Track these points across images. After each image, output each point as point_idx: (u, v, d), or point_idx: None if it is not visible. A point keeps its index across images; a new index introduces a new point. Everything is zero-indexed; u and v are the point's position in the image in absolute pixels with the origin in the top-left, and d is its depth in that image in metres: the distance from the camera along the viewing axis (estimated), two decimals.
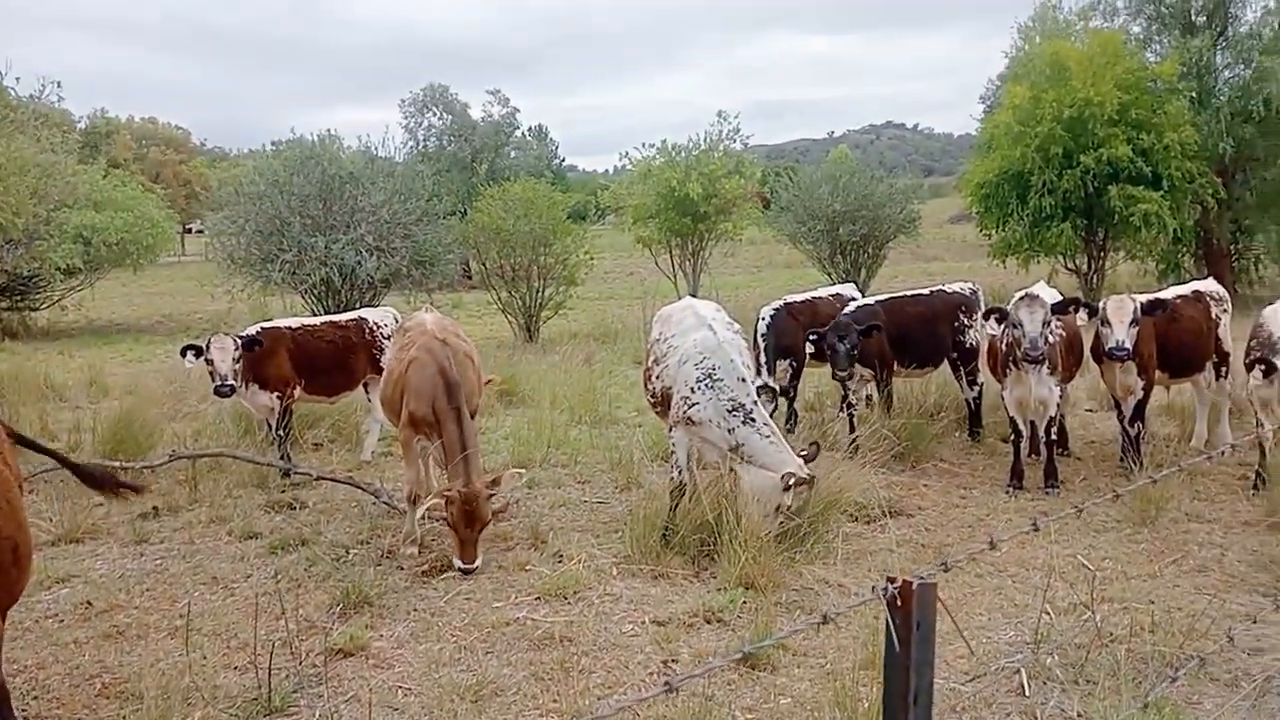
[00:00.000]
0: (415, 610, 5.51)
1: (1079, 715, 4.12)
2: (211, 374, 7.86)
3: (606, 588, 5.70)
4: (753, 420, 5.87)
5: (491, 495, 5.99)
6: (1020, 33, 20.78)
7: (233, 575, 6.11)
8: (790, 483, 5.65)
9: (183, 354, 8.11)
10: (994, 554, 6.11)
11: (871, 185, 22.10)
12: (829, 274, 21.74)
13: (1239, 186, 18.74)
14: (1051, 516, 2.83)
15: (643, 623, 5.23)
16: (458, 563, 5.91)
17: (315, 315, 12.80)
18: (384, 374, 6.93)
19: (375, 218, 15.86)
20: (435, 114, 35.60)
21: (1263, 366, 6.38)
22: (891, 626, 1.78)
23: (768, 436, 5.86)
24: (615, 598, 5.57)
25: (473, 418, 6.38)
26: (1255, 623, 4.87)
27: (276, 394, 8.28)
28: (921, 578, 1.76)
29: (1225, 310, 8.37)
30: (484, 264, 17.81)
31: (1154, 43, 19.83)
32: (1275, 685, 4.21)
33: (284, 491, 7.81)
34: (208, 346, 7.90)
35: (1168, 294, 8.16)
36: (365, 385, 8.87)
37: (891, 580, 1.76)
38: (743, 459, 5.88)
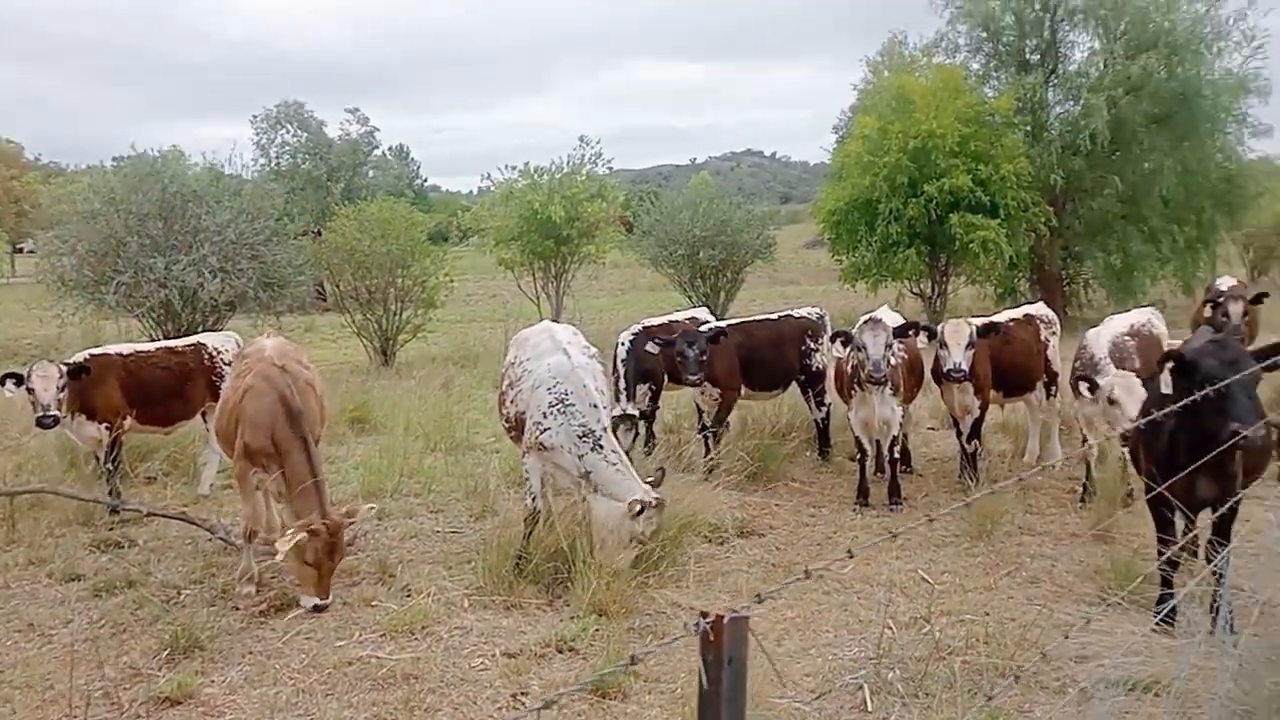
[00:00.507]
0: (251, 653, 5.24)
1: None
2: (33, 404, 7.33)
3: (457, 621, 5.56)
4: (601, 447, 5.85)
5: (350, 525, 5.79)
6: (869, 67, 21.75)
7: (51, 621, 5.68)
8: (636, 510, 5.63)
9: (1, 382, 7.54)
10: (841, 570, 6.27)
11: (730, 211, 22.58)
12: (690, 297, 22.06)
13: (1069, 215, 19.98)
14: (864, 542, 2.89)
15: (493, 655, 5.12)
16: (313, 601, 5.62)
17: (153, 340, 12.11)
18: (219, 403, 6.58)
19: (220, 238, 15.16)
20: (289, 131, 34.53)
21: (1086, 384, 6.76)
22: (703, 662, 1.76)
23: (614, 464, 5.84)
24: (465, 631, 5.43)
25: None
26: (1086, 626, 5.13)
27: (105, 425, 7.78)
28: (735, 611, 1.75)
29: (1054, 332, 8.86)
30: (338, 286, 17.28)
31: (992, 79, 21.02)
32: (1099, 691, 4.42)
33: (111, 529, 7.32)
34: (29, 374, 7.37)
35: (1001, 318, 8.59)
36: (204, 414, 8.43)
37: (704, 615, 1.74)
38: (592, 488, 5.84)
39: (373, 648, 5.24)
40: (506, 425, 6.69)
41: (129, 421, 7.97)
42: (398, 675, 4.85)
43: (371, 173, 36.16)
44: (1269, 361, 4.74)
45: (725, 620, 1.73)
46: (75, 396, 7.58)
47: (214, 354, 8.46)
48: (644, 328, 9.08)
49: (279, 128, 34.63)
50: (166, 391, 8.17)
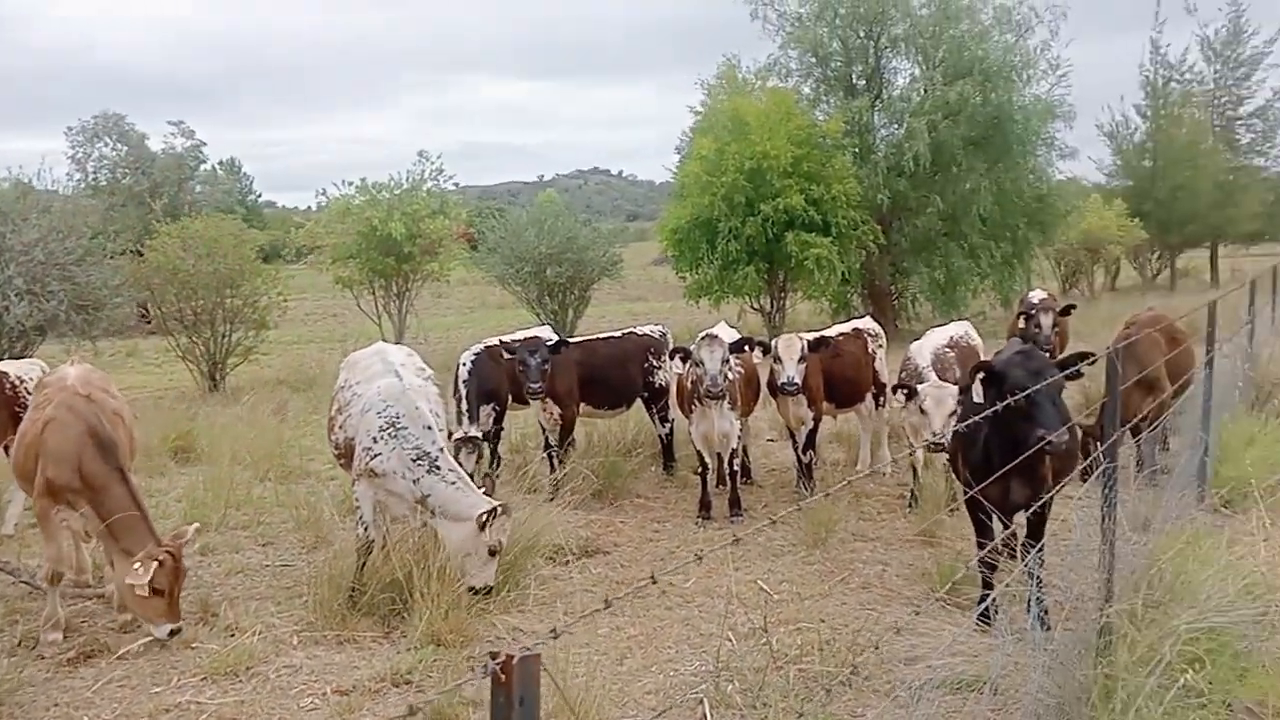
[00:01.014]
0: (57, 705, 4.86)
1: None
2: None
3: (285, 659, 5.30)
4: (438, 468, 5.70)
5: (176, 538, 5.50)
6: (705, 88, 22.17)
7: None
8: (483, 521, 5.49)
9: None
10: (684, 585, 6.32)
11: (576, 228, 22.58)
12: (538, 315, 21.91)
13: (896, 233, 20.93)
14: (706, 551, 2.91)
15: (324, 694, 4.90)
16: (167, 627, 5.32)
17: None
18: (17, 436, 6.07)
19: (27, 257, 14.06)
20: (108, 144, 32.45)
21: (904, 391, 7.08)
22: (493, 704, 1.69)
23: (453, 483, 5.69)
24: (294, 669, 5.18)
25: None
26: (915, 629, 5.32)
27: None
28: (527, 650, 1.69)
29: (881, 345, 9.24)
30: (160, 308, 16.29)
31: (822, 102, 21.81)
32: (927, 692, 4.58)
33: None
34: None
35: (831, 332, 8.90)
36: (6, 449, 7.76)
37: (494, 656, 1.68)
38: (432, 512, 5.68)
39: (192, 692, 4.94)
40: (336, 452, 6.44)
41: None
42: None
43: (199, 188, 34.28)
44: (1071, 370, 5.05)
45: (515, 660, 1.67)
46: None
47: (16, 383, 7.82)
48: (485, 348, 8.93)
49: (96, 141, 32.50)
50: None
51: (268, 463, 9.42)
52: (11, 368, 8.11)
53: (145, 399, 14.37)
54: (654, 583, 2.33)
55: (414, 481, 5.67)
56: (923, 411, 6.83)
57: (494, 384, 8.71)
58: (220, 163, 43.85)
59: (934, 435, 6.69)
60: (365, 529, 5.94)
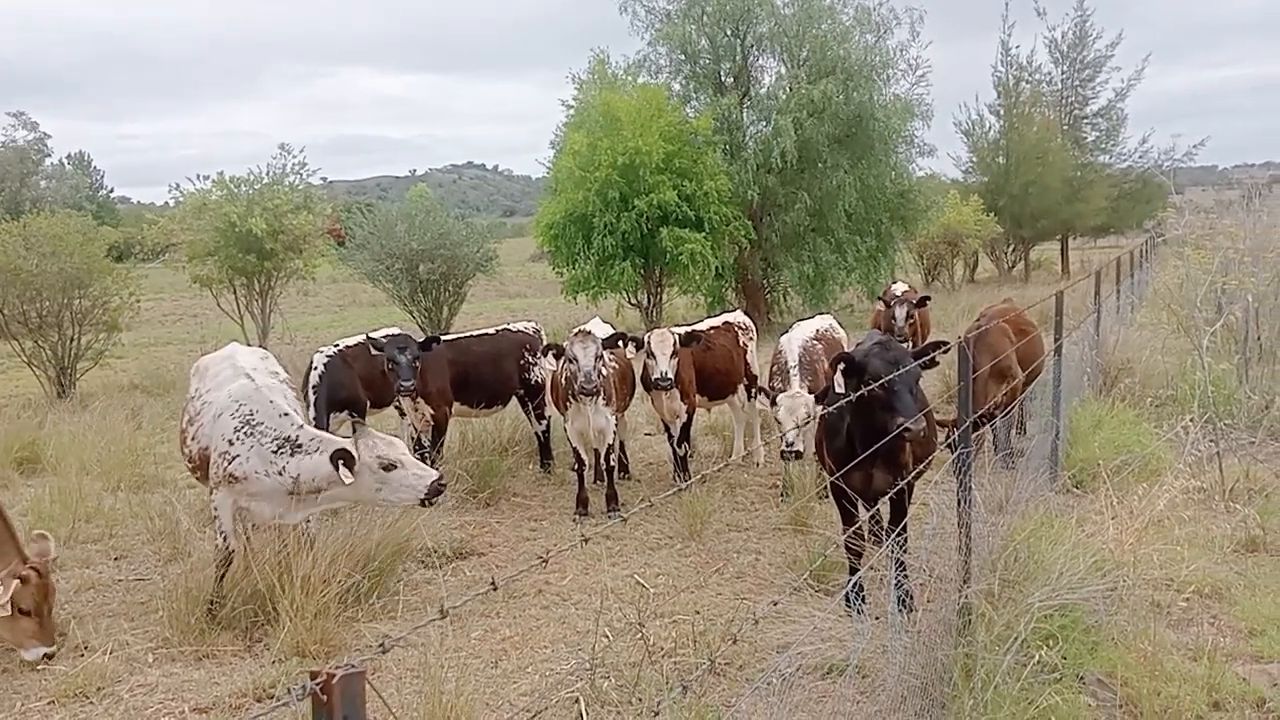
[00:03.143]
0: None
1: None
2: None
3: (140, 678, 5.04)
4: (299, 447, 5.43)
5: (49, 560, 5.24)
6: (577, 84, 22.10)
7: None
8: (344, 456, 5.15)
9: None
10: (561, 582, 6.28)
11: (450, 224, 22.19)
12: (410, 312, 21.47)
13: (766, 229, 21.34)
14: (585, 551, 2.88)
15: (181, 713, 4.68)
16: (41, 650, 5.11)
17: None
18: None
19: None
20: None
21: (765, 397, 7.23)
22: None
23: (317, 449, 5.40)
24: (150, 688, 4.93)
25: None
26: (786, 616, 5.42)
27: None
28: (353, 666, 1.63)
29: (751, 338, 9.40)
30: (2, 310, 15.25)
31: (692, 99, 22.04)
32: (798, 678, 4.67)
33: None
34: None
35: (702, 326, 9.00)
36: None
37: (313, 675, 1.62)
38: (316, 491, 5.39)
39: (39, 717, 4.64)
40: (190, 465, 6.11)
41: None
42: None
43: (44, 183, 32.41)
44: (925, 359, 5.23)
45: (336, 679, 1.60)
46: None
47: None
48: (339, 350, 8.63)
49: None
50: None
51: (120, 472, 8.94)
52: None
53: None
54: (495, 589, 2.28)
55: (280, 472, 5.41)
56: (777, 420, 7.04)
57: (349, 389, 8.38)
58: (68, 156, 41.54)
59: (786, 444, 6.88)
60: (225, 539, 5.68)
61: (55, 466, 9.35)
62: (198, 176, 20.01)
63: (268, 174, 19.79)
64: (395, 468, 5.22)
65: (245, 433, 5.49)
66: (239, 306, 19.75)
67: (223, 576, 5.63)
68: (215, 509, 5.69)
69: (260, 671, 4.99)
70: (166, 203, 26.42)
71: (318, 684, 1.59)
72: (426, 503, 5.27)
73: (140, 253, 24.00)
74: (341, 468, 5.12)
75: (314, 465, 5.36)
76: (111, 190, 45.64)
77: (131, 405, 12.72)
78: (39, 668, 5.15)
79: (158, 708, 4.74)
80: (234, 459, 5.50)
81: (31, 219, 16.72)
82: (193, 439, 5.91)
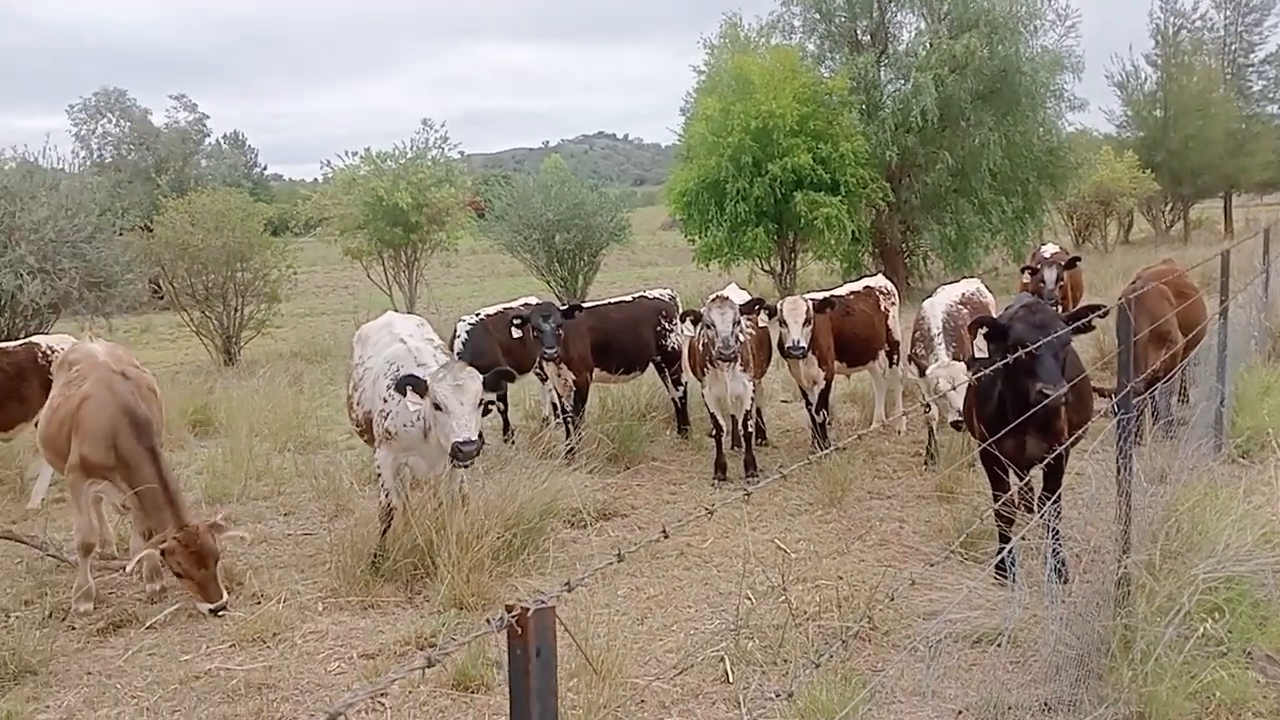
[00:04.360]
0: (90, 674, 4.95)
1: (776, 695, 4.34)
2: None
3: (311, 625, 5.38)
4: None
5: (213, 529, 5.51)
6: (708, 48, 21.93)
7: None
8: (409, 385, 5.40)
9: None
10: (702, 545, 6.38)
11: (584, 194, 22.51)
12: (547, 282, 21.92)
13: (905, 190, 20.78)
14: (722, 515, 2.93)
15: (350, 658, 4.99)
16: (204, 606, 5.43)
17: None
18: (46, 409, 6.15)
19: (37, 235, 14.11)
20: (111, 120, 32.48)
21: (915, 368, 7.07)
22: (510, 656, 1.73)
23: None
24: (320, 635, 5.26)
25: None
26: (932, 584, 5.36)
27: None
28: (542, 602, 1.73)
29: (893, 303, 9.21)
30: (172, 283, 16.36)
31: (827, 59, 21.57)
32: (946, 645, 4.64)
33: None
34: None
35: (841, 290, 8.87)
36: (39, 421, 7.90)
37: (509, 609, 1.72)
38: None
39: (221, 659, 5.02)
40: (358, 429, 6.51)
41: None
42: (248, 686, 4.67)
43: (205, 162, 34.37)
44: (1078, 323, 5.04)
45: (530, 612, 1.70)
46: None
47: (48, 353, 7.94)
48: (480, 318, 8.97)
49: (99, 117, 32.55)
50: (4, 394, 7.67)
51: (286, 433, 9.51)
52: (43, 339, 8.22)
53: (162, 374, 14.43)
54: (666, 537, 2.36)
55: (418, 419, 5.66)
56: (938, 393, 6.82)
57: (489, 357, 8.63)
58: (225, 136, 43.86)
59: (958, 415, 6.69)
60: (387, 495, 6.00)
61: (226, 428, 10.02)
62: (346, 153, 20.89)
63: (411, 149, 20.48)
64: (441, 411, 5.39)
65: (395, 390, 5.76)
66: (387, 277, 20.59)
67: (385, 531, 5.95)
68: (378, 467, 6.02)
69: (421, 621, 5.26)
70: (317, 179, 27.66)
71: (514, 617, 1.69)
72: (453, 459, 5.41)
73: (294, 227, 25.24)
74: (410, 392, 5.37)
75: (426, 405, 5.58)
76: (265, 168, 48.15)
77: (292, 371, 13.47)
78: (220, 615, 5.57)
79: (328, 653, 5.07)
80: (389, 416, 5.80)
81: (195, 196, 17.82)
82: (357, 404, 6.26)
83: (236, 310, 16.46)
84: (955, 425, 6.88)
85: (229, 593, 5.68)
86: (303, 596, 5.75)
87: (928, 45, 20.26)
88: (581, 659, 4.36)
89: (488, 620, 1.76)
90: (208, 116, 34.96)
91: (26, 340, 8.30)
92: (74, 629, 5.46)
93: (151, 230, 17.25)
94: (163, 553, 5.36)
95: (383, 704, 4.48)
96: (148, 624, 5.46)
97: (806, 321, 7.70)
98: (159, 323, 22.03)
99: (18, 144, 21.77)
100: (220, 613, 5.44)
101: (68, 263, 14.35)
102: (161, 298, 18.81)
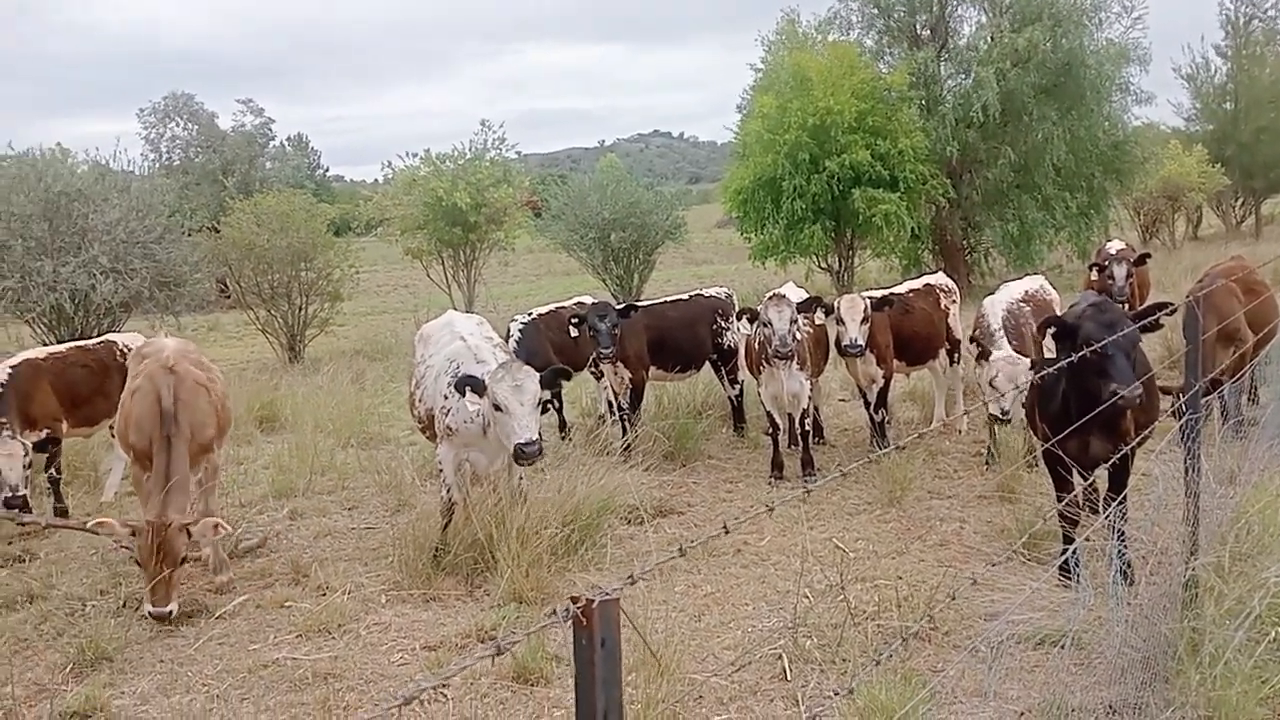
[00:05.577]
0: (162, 661, 5.11)
1: (835, 693, 4.33)
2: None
3: (374, 617, 5.50)
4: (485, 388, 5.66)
5: (185, 530, 5.41)
6: (765, 45, 21.83)
7: None
8: (468, 386, 5.51)
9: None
10: (759, 543, 6.38)
11: (639, 193, 22.57)
12: (603, 280, 22.02)
13: (966, 186, 20.45)
14: (780, 514, 2.94)
15: (413, 650, 5.09)
16: (147, 606, 5.32)
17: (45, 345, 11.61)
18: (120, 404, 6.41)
19: (110, 237, 14.57)
20: (179, 124, 33.33)
21: (979, 352, 6.99)
22: (575, 646, 1.77)
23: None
24: (384, 627, 5.37)
25: (209, 450, 6.02)
26: (994, 585, 5.31)
27: (46, 431, 7.54)
28: (606, 594, 1.76)
29: (954, 300, 9.10)
30: (239, 282, 16.78)
31: (885, 55, 21.32)
32: (1008, 646, 4.59)
33: (10, 544, 7.04)
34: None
35: (900, 288, 8.79)
36: None
37: (574, 600, 1.76)
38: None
39: (288, 649, 5.15)
40: (420, 425, 6.64)
41: (65, 425, 7.75)
42: (314, 675, 4.78)
43: (269, 164, 35.08)
44: (1146, 321, 4.94)
45: (595, 604, 1.74)
46: (17, 412, 7.28)
47: (124, 350, 8.23)
48: (533, 317, 9.07)
49: (168, 121, 33.41)
50: (91, 390, 7.96)
51: (349, 429, 9.71)
52: (118, 337, 8.51)
53: (229, 371, 14.82)
54: (726, 533, 2.38)
55: (477, 416, 5.74)
56: (992, 385, 6.76)
57: (541, 356, 8.64)
58: (288, 139, 44.71)
59: (1002, 412, 6.64)
60: (448, 491, 6.10)
61: (291, 424, 10.27)
62: (406, 154, 21.23)
63: (470, 149, 20.72)
64: (501, 411, 5.45)
65: (454, 389, 5.86)
66: (446, 277, 20.86)
67: (446, 526, 6.05)
68: (439, 463, 6.13)
69: (482, 615, 5.35)
70: (378, 180, 28.09)
71: (579, 608, 1.73)
72: (516, 460, 5.47)
73: (356, 227, 25.68)
74: (469, 392, 5.45)
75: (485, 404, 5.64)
76: (327, 170, 49.08)
77: (355, 369, 13.73)
78: (286, 605, 5.69)
79: (391, 644, 5.17)
80: (449, 412, 5.91)
81: (261, 198, 18.25)
82: (419, 401, 6.38)
83: (301, 309, 16.82)
84: (995, 419, 6.82)
85: (296, 585, 5.82)
86: (366, 589, 5.87)
87: (989, 39, 19.92)
88: (639, 654, 4.40)
89: (554, 611, 1.80)
90: (273, 120, 35.73)
91: (104, 338, 8.59)
92: (145, 619, 5.64)
93: (219, 231, 17.72)
94: (133, 532, 5.36)
95: (445, 695, 4.56)
96: (217, 614, 5.61)
97: (864, 319, 7.64)
98: (226, 321, 22.57)
99: (90, 147, 22.48)
100: (160, 620, 5.31)
101: (139, 263, 14.79)
102: (228, 297, 19.32)
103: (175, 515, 5.40)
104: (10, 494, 6.85)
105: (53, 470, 7.68)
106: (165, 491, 5.50)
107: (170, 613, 5.36)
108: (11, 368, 7.51)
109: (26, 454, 7.02)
